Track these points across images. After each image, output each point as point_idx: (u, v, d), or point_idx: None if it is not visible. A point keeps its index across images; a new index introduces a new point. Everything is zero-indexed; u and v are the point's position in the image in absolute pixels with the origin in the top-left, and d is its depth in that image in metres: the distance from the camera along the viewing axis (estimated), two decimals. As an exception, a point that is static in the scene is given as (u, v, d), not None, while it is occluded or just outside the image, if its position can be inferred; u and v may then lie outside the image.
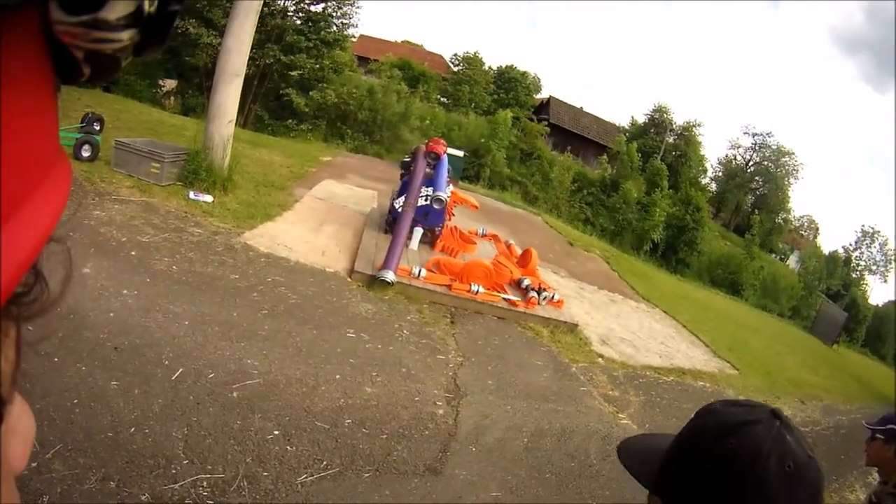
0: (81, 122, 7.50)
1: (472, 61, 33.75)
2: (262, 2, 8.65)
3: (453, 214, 9.51)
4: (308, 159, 13.69)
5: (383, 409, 4.24)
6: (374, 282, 6.52)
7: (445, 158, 8.70)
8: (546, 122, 30.74)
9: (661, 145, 33.75)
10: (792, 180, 43.92)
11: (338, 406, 4.09)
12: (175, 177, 7.72)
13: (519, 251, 9.83)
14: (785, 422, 0.78)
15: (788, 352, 14.05)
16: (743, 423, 0.77)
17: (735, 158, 45.71)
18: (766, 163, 44.18)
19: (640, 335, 8.68)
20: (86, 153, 7.23)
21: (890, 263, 43.53)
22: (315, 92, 19.78)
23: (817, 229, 50.31)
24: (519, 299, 7.33)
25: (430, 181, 8.24)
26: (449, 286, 7.00)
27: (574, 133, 35.93)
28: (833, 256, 38.55)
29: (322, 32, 20.08)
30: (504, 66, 36.35)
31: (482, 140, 22.87)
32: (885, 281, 43.52)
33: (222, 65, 8.15)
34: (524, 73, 36.63)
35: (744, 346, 10.83)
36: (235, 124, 8.70)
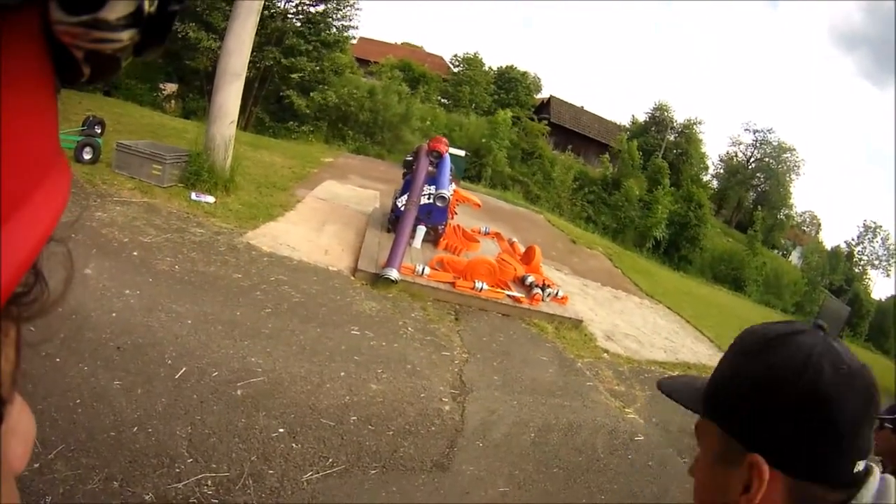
0: (82, 126, 7.50)
1: (472, 62, 33.72)
2: (262, 2, 8.63)
3: (456, 213, 9.48)
4: (309, 160, 13.67)
5: (389, 406, 4.20)
6: (378, 280, 6.48)
7: (448, 157, 8.67)
8: (547, 122, 30.72)
9: (662, 143, 33.70)
10: (793, 176, 43.90)
11: (343, 403, 4.05)
12: (177, 178, 7.70)
13: (522, 249, 9.79)
14: (829, 333, 0.75)
15: None
16: (790, 332, 0.74)
17: (736, 155, 45.68)
18: (767, 159, 44.07)
19: (644, 331, 8.62)
20: (87, 156, 7.21)
21: (892, 258, 43.65)
22: (316, 93, 19.75)
23: (819, 225, 50.42)
24: (523, 296, 7.29)
25: (433, 179, 8.21)
26: (453, 283, 6.95)
27: (575, 132, 35.85)
28: (835, 252, 38.54)
29: (322, 34, 20.05)
30: (504, 66, 36.30)
31: (483, 140, 22.83)
32: (888, 275, 43.76)
33: (223, 65, 8.13)
34: (524, 73, 36.56)
35: None
36: (237, 126, 8.68)
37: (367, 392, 4.29)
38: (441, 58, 38.72)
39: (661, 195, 24.68)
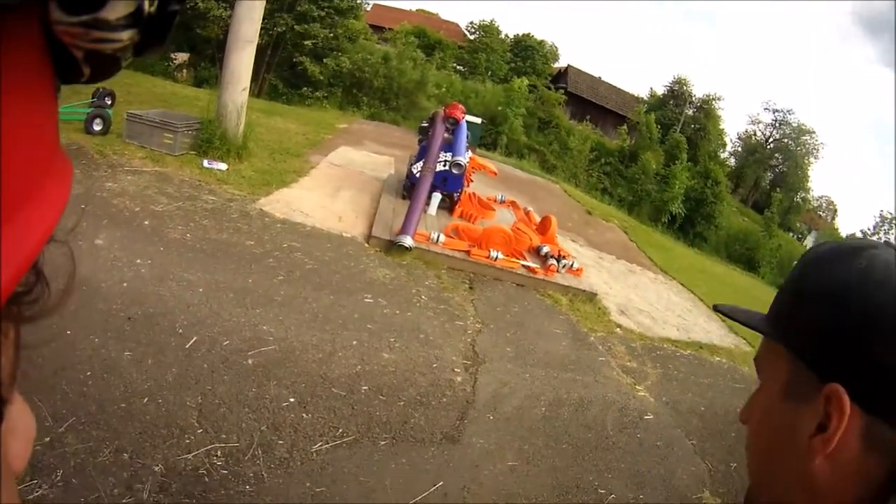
0: (92, 97, 7.42)
1: (488, 29, 33.15)
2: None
3: (472, 180, 9.36)
4: (323, 126, 13.55)
5: (401, 376, 4.17)
6: (392, 247, 6.42)
7: (464, 124, 8.50)
8: (564, 91, 30.11)
9: (681, 118, 32.99)
10: (812, 159, 42.80)
11: (354, 373, 4.02)
12: (188, 146, 7.64)
13: (538, 218, 9.65)
14: None
15: None
16: (862, 246, 0.62)
17: (755, 134, 44.52)
18: (786, 140, 42.97)
19: (658, 307, 8.49)
20: (97, 127, 7.14)
21: (909, 249, 42.91)
22: (329, 60, 19.47)
23: (835, 211, 49.64)
24: (538, 266, 7.19)
25: (449, 146, 8.08)
26: (468, 252, 6.87)
27: (592, 102, 35.15)
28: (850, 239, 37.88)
29: (334, 1, 19.67)
30: (521, 34, 35.64)
31: (499, 108, 22.45)
32: (903, 269, 42.90)
33: (234, 33, 7.99)
34: (541, 42, 35.90)
35: None
36: (249, 94, 8.59)
37: (379, 361, 4.26)
38: (457, 25, 38.07)
39: (679, 170, 24.18)
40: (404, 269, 6.12)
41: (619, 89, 38.71)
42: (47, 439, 2.64)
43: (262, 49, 18.69)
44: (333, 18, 19.69)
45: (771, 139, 43.89)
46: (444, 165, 7.95)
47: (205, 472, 2.80)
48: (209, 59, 18.73)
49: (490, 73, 30.99)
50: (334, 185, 8.51)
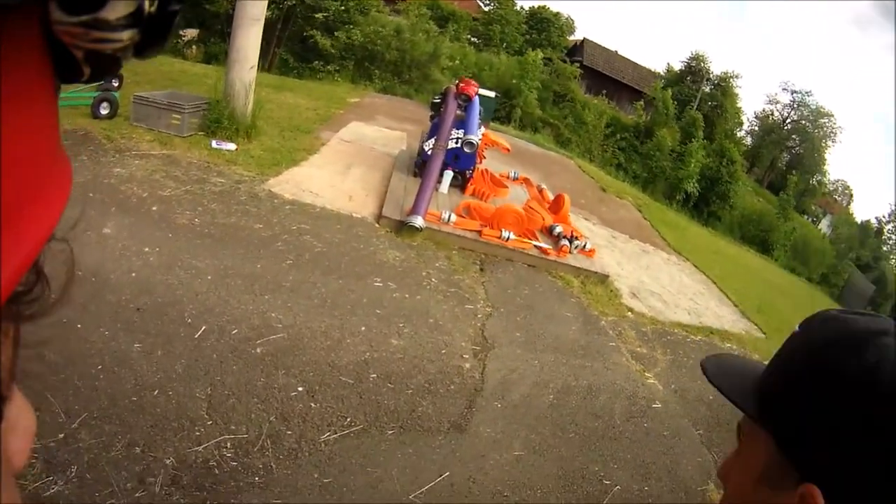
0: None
1: (503, 1, 32.57)
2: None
3: (484, 157, 9.27)
4: (335, 101, 13.44)
5: (409, 363, 4.19)
6: (403, 227, 6.40)
7: (477, 100, 8.38)
8: (579, 65, 29.61)
9: (697, 94, 32.34)
10: (829, 143, 41.72)
11: (363, 360, 4.04)
12: (197, 127, 7.59)
13: (551, 196, 9.56)
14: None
15: None
16: (876, 332, 0.56)
17: (772, 114, 43.38)
18: (803, 122, 41.85)
19: (670, 289, 8.41)
20: (104, 111, 7.10)
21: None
22: (341, 32, 19.20)
23: (851, 196, 48.83)
24: (550, 247, 7.14)
25: (461, 123, 7.99)
26: (479, 232, 6.84)
27: (608, 76, 34.54)
28: (865, 225, 37.36)
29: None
30: (536, 6, 34.97)
31: (513, 81, 22.10)
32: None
33: (241, 10, 7.89)
34: (557, 14, 35.19)
35: (772, 308, 10.40)
36: (259, 69, 8.51)
37: (388, 348, 4.28)
38: (471, -4, 37.45)
39: (695, 148, 23.77)
40: (414, 251, 6.11)
41: (636, 64, 38.08)
42: (61, 436, 2.69)
43: (272, 23, 18.54)
44: (344, -10, 19.44)
45: (788, 120, 42.90)
46: (457, 143, 7.87)
47: (215, 464, 2.85)
48: (219, 35, 18.52)
49: (505, 45, 30.45)
50: (345, 162, 8.47)
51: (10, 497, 0.30)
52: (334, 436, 3.27)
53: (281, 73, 17.77)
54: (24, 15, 0.23)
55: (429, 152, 7.67)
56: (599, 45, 37.54)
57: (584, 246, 7.58)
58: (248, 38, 7.92)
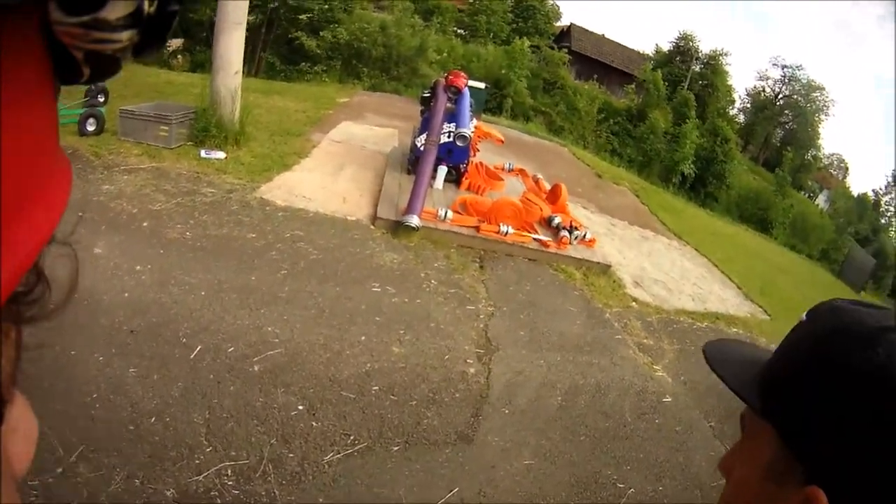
0: (85, 97, 7.24)
1: (487, -10, 32.31)
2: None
3: (478, 150, 9.13)
4: (324, 102, 13.28)
5: (412, 372, 4.09)
6: (399, 228, 6.28)
7: (467, 92, 8.22)
8: (567, 50, 29.38)
9: (688, 74, 32.17)
10: (822, 117, 41.30)
11: (364, 372, 3.94)
12: (185, 137, 7.45)
13: (547, 186, 9.43)
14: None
15: (819, 297, 13.45)
16: (886, 328, 0.53)
17: (764, 90, 42.92)
18: (795, 97, 41.39)
19: (672, 275, 8.33)
20: (91, 127, 6.93)
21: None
22: (326, 32, 18.97)
23: (847, 169, 48.62)
24: (550, 240, 7.03)
25: (452, 116, 7.83)
26: (477, 228, 6.72)
27: (597, 61, 34.18)
28: (862, 198, 37.30)
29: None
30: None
31: (502, 71, 21.93)
32: (915, 228, 42.16)
33: (222, 15, 7.69)
34: (542, 1, 34.98)
35: (774, 289, 10.41)
36: (246, 74, 8.37)
37: (389, 357, 4.18)
38: (456, -13, 37.15)
39: (689, 129, 23.62)
40: (412, 252, 6.00)
41: (624, 46, 37.83)
42: (59, 470, 2.60)
43: (257, 27, 18.38)
44: (327, -10, 19.21)
45: (780, 95, 42.53)
46: (449, 137, 7.72)
47: (216, 493, 2.76)
48: (204, 43, 18.26)
49: (492, 35, 30.24)
50: (336, 163, 8.35)
51: (10, 499, 0.30)
52: (338, 456, 3.18)
53: (268, 77, 17.60)
54: (24, 15, 0.22)
55: (421, 148, 7.54)
56: (587, 30, 37.24)
57: (585, 236, 7.48)
58: (231, 43, 7.77)
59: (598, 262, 7.16)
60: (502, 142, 9.80)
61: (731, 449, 0.68)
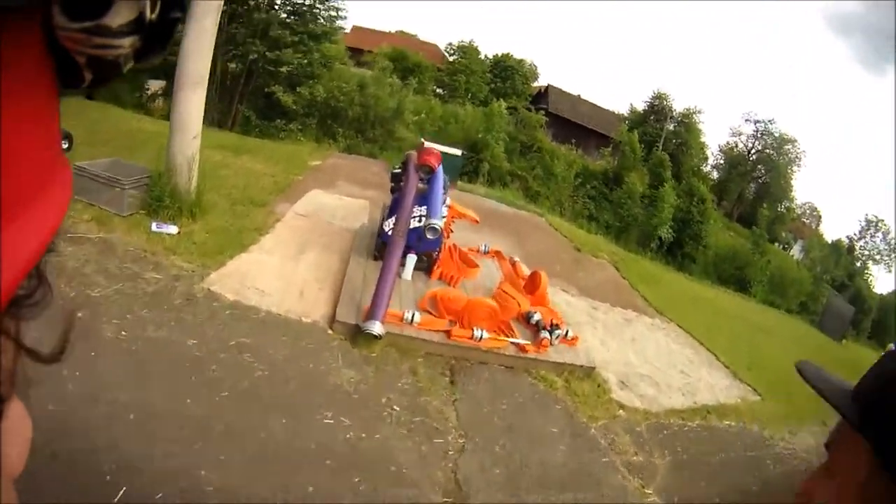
0: (47, 141, 6.63)
1: (467, 50, 32.90)
2: (222, 1, 7.67)
3: (452, 231, 8.61)
4: (295, 165, 12.76)
5: (368, 537, 3.42)
6: (359, 334, 5.61)
7: (440, 171, 7.68)
8: (544, 112, 29.81)
9: (662, 133, 32.92)
10: (795, 168, 43.22)
11: (311, 540, 3.26)
12: (139, 204, 6.83)
13: (526, 270, 8.94)
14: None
15: (802, 354, 13.39)
16: None
17: (737, 146, 44.76)
18: (768, 150, 43.27)
19: (658, 365, 7.94)
20: (48, 178, 6.33)
21: (893, 252, 43.48)
22: (303, 88, 18.73)
23: (819, 217, 49.99)
24: (528, 343, 6.44)
25: (424, 199, 7.25)
26: (448, 332, 6.10)
27: (573, 122, 35.02)
28: (836, 245, 38.06)
29: (309, 25, 18.98)
30: (500, 54, 35.46)
31: (479, 135, 21.88)
32: (889, 270, 43.75)
33: (182, 70, 7.11)
34: (521, 61, 35.77)
35: (760, 357, 10.36)
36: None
37: (342, 515, 3.50)
38: (436, 46, 37.84)
39: (667, 192, 23.92)
40: (373, 366, 5.31)
41: (600, 108, 39.11)
42: None
43: (235, 78, 17.97)
44: (308, 44, 18.98)
45: (753, 150, 44.06)
46: (419, 221, 7.14)
47: None
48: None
49: (470, 95, 30.56)
50: (299, 242, 7.73)
51: (8, 498, 0.31)
52: None
53: (243, 132, 17.12)
54: (27, 20, 0.23)
55: (389, 233, 6.92)
56: (564, 91, 38.35)
57: (566, 334, 6.92)
58: (191, 103, 7.15)
59: (582, 365, 6.60)
60: (477, 222, 9.35)
61: (812, 473, 0.69)
